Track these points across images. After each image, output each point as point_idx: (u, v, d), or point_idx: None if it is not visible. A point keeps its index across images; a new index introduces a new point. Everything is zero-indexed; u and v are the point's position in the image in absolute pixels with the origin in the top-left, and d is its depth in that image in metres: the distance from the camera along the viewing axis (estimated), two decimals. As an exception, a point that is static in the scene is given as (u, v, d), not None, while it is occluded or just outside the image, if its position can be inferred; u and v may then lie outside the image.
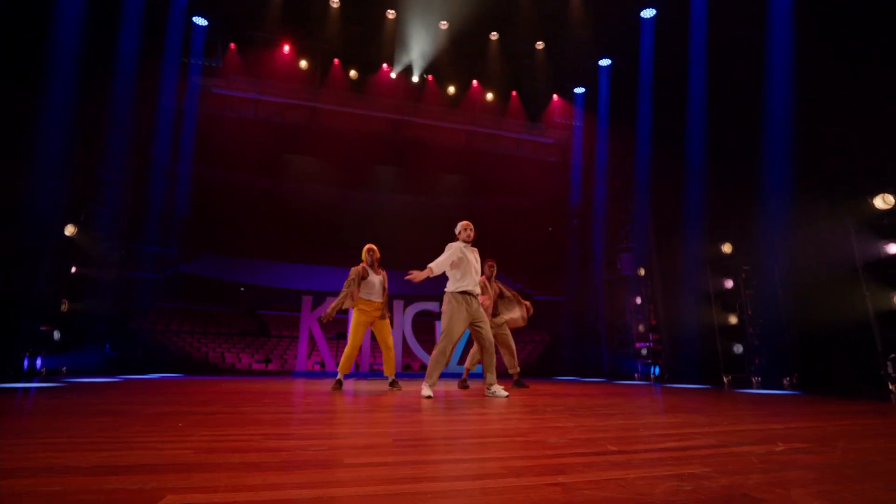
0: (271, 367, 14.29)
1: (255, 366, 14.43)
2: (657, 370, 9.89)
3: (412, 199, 16.72)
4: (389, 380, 5.39)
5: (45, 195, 7.59)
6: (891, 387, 5.40)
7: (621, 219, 12.19)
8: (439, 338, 4.33)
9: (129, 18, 8.92)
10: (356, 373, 10.64)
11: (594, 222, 12.96)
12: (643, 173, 10.39)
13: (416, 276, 4.22)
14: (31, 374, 7.30)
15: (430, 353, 11.69)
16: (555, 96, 12.62)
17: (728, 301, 8.34)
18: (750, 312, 8.27)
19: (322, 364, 11.81)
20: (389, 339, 5.35)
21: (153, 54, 9.63)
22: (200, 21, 10.08)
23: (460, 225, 4.50)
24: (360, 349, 11.41)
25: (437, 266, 4.33)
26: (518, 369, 5.93)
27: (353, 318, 5.27)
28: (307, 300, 10.31)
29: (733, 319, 8.20)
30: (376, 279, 5.32)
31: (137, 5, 8.86)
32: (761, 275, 8.05)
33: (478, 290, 4.45)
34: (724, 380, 7.86)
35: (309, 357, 11.75)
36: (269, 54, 11.02)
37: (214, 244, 17.55)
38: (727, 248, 8.76)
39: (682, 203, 9.00)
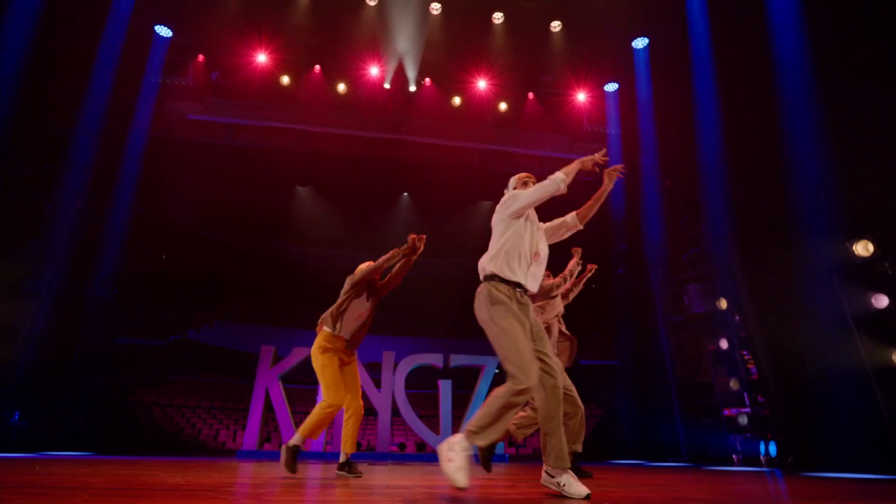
0: (267, 446, 11.70)
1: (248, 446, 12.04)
2: (772, 448, 6.42)
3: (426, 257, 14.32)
4: (341, 459, 3.43)
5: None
6: None
7: (683, 240, 9.32)
8: (507, 373, 2.06)
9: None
10: (324, 452, 7.73)
11: (648, 251, 10.10)
12: (713, 170, 7.69)
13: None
14: None
15: (433, 429, 8.47)
16: (581, 97, 10.35)
17: (887, 329, 5.19)
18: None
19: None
20: (358, 389, 3.55)
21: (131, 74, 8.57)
22: (164, 31, 8.89)
23: (516, 179, 2.54)
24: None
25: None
26: (579, 447, 3.59)
27: (321, 359, 3.39)
28: (267, 351, 7.84)
29: (906, 357, 5.03)
30: (364, 306, 3.57)
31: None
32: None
33: (534, 288, 2.27)
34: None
35: (262, 431, 8.48)
36: (244, 70, 9.68)
37: (229, 310, 15.88)
38: (862, 247, 5.74)
39: (780, 192, 6.17)
